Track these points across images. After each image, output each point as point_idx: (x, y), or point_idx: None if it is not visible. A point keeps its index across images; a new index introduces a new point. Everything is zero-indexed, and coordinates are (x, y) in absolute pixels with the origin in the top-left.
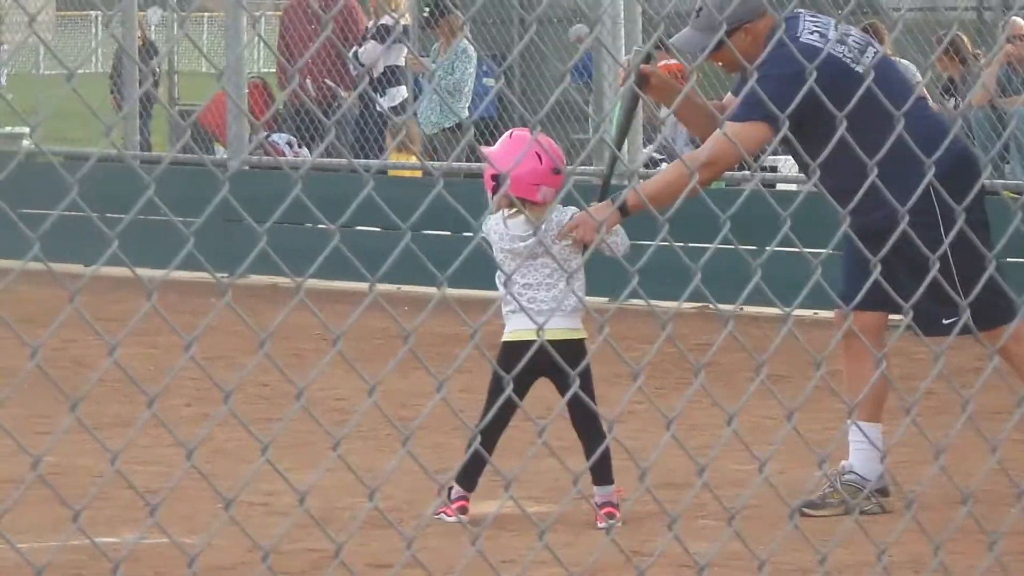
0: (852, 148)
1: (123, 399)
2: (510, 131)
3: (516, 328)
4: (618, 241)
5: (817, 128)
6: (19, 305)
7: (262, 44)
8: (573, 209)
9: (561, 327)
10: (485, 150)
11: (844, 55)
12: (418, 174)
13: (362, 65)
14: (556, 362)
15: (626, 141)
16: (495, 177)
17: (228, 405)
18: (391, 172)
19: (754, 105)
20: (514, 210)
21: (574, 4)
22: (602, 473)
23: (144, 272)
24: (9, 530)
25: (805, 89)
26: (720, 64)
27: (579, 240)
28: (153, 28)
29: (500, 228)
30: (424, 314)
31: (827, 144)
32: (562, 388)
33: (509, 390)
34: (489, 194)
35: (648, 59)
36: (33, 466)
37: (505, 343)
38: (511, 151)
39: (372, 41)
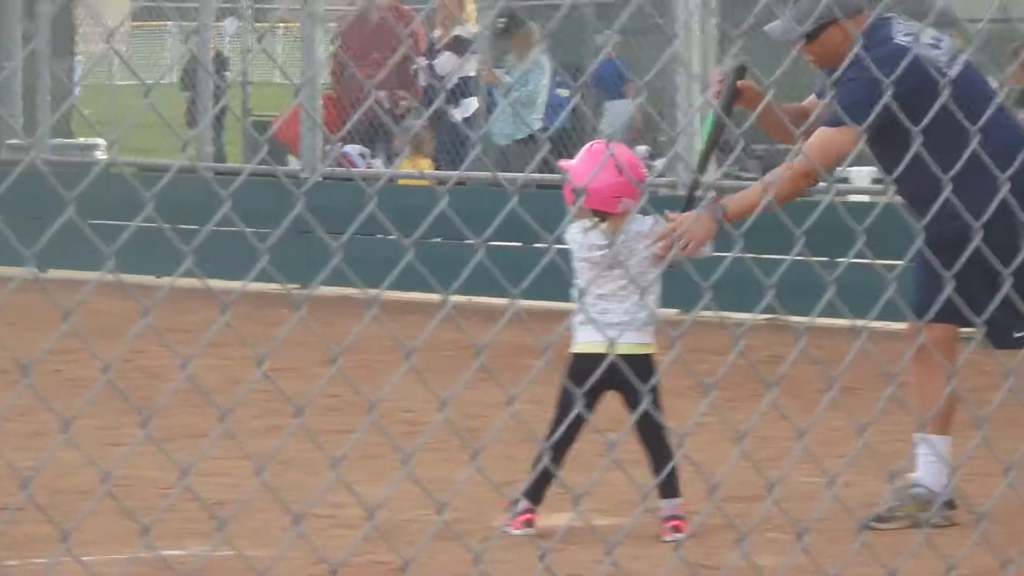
0: (933, 155)
1: (193, 409)
2: (589, 144)
3: (586, 340)
4: (705, 250)
5: (906, 132)
6: (93, 317)
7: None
8: (652, 219)
9: (631, 342)
10: (564, 163)
11: (937, 59)
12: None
13: (439, 78)
14: (624, 377)
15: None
16: (575, 190)
17: (300, 420)
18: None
19: (848, 108)
20: (595, 221)
21: (649, 17)
22: (669, 486)
23: (217, 284)
24: (77, 543)
25: (895, 91)
26: (811, 59)
27: (680, 249)
28: (228, 39)
29: (580, 238)
30: (496, 329)
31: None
32: (630, 401)
33: (580, 406)
34: (570, 206)
35: (743, 73)
36: (103, 480)
37: (575, 355)
38: (590, 164)
39: (447, 52)
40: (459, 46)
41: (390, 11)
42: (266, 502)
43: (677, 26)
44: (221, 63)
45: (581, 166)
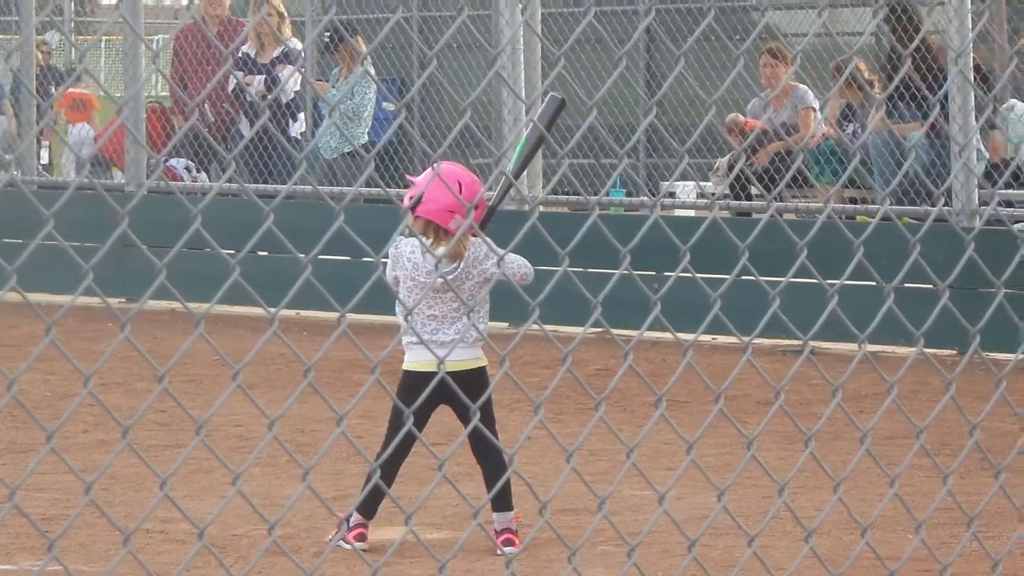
0: None
1: (19, 425)
2: (436, 163)
3: (417, 359)
4: (515, 270)
5: None
6: None
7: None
8: (477, 240)
9: (462, 358)
10: (411, 177)
11: None
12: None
13: (264, 94)
14: (456, 394)
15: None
16: (412, 199)
17: (127, 439)
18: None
19: None
20: (430, 241)
21: (472, 33)
22: (501, 500)
23: (42, 298)
24: None
25: None
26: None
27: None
28: (53, 52)
29: (416, 258)
30: (325, 347)
31: None
32: (462, 415)
33: (409, 424)
34: (406, 215)
35: (563, 105)
36: None
37: (406, 372)
38: (438, 182)
39: (287, 66)
40: (289, 60)
41: (226, 23)
42: (95, 516)
43: (502, 43)
44: (48, 76)
45: (425, 180)
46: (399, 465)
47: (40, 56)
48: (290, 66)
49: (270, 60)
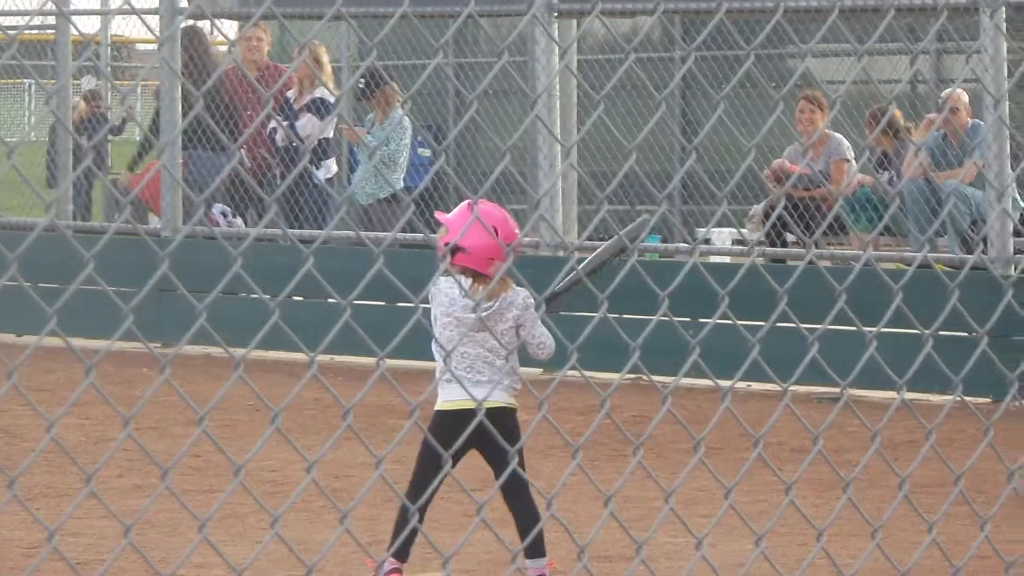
0: None
1: (55, 469)
2: (467, 202)
3: (451, 398)
4: (538, 334)
5: None
6: None
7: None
8: (524, 292)
9: (497, 399)
10: (441, 216)
11: None
12: None
13: (299, 139)
14: (490, 435)
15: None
16: (449, 246)
17: (166, 483)
18: None
19: None
20: (470, 283)
21: (511, 78)
22: (535, 546)
23: (79, 343)
24: None
25: None
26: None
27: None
28: (102, 102)
29: (453, 293)
30: (365, 389)
31: None
32: (493, 458)
33: (448, 468)
34: (443, 260)
35: (622, 252)
36: None
37: (439, 411)
38: (476, 226)
39: (308, 115)
40: (319, 108)
41: (264, 69)
42: (129, 562)
43: (539, 88)
44: (91, 123)
45: (457, 221)
46: (429, 503)
47: (85, 107)
48: (310, 115)
49: (302, 107)
